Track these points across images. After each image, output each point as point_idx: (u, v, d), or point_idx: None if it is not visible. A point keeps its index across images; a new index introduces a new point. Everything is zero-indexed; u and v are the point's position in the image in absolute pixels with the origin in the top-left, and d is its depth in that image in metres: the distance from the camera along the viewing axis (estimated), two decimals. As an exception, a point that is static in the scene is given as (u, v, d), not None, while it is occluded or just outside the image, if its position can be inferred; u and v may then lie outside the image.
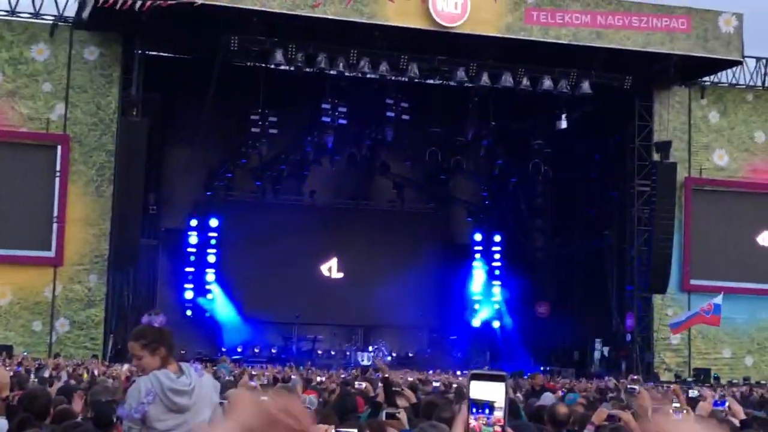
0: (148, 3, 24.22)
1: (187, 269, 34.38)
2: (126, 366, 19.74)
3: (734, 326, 31.35)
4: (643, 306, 30.97)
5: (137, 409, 5.09)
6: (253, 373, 18.44)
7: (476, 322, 37.99)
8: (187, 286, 34.21)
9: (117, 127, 27.65)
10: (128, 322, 28.02)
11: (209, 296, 34.48)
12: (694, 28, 29.01)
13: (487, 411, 3.03)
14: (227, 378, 14.94)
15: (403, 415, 5.68)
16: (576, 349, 34.26)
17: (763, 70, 32.33)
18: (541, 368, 30.50)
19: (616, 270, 32.55)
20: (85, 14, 26.79)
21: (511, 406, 7.88)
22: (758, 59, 32.30)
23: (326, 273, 36.02)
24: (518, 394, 14.46)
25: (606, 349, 32.65)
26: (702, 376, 29.47)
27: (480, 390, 3.01)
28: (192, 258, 34.50)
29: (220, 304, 34.50)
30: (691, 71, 30.66)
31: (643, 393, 10.34)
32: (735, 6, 30.23)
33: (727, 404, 7.87)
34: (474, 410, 3.01)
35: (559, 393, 13.44)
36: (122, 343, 27.58)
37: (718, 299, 27.06)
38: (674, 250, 30.40)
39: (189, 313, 33.64)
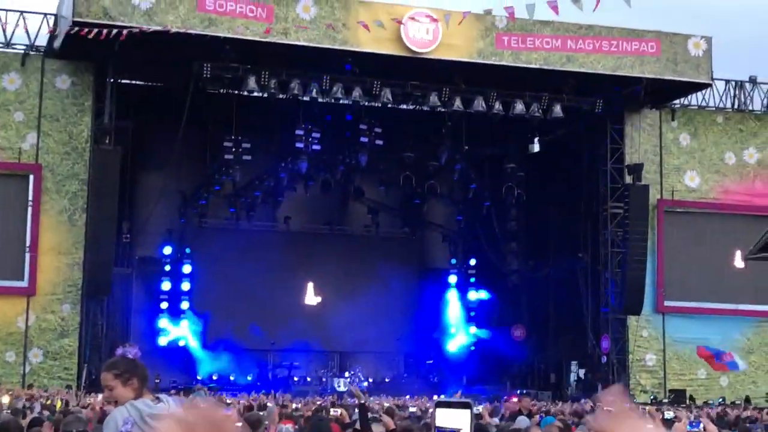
0: (124, 32, 24.17)
1: (161, 297, 34.19)
2: (101, 396, 19.61)
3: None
4: (618, 328, 31.07)
5: None
6: (228, 401, 18.33)
7: (452, 347, 37.98)
8: (161, 314, 34.00)
9: (90, 156, 27.54)
10: (102, 351, 27.81)
11: (184, 324, 34.28)
12: (663, 52, 29.31)
13: None
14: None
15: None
16: (552, 371, 34.31)
17: (732, 93, 32.71)
18: (518, 391, 30.48)
19: (591, 292, 32.63)
20: (57, 43, 26.74)
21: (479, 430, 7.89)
22: (727, 81, 32.68)
23: (305, 300, 35.85)
24: (495, 419, 14.43)
25: (582, 372, 32.70)
26: (675, 397, 29.52)
27: (446, 418, 3.01)
28: (166, 286, 34.32)
29: (194, 332, 34.31)
30: (661, 94, 30.97)
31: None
32: (704, 29, 30.60)
33: (701, 425, 7.92)
34: None
35: (537, 417, 13.44)
36: (96, 373, 27.32)
37: (740, 362, 27.40)
38: (648, 271, 30.56)
39: (163, 341, 33.44)
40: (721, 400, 29.47)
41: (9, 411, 12.15)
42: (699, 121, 32.50)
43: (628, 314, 30.89)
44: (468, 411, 3.06)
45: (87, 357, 27.30)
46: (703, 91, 31.99)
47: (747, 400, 29.65)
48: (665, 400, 28.83)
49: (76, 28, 24.31)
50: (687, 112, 32.52)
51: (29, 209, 27.27)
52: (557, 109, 29.47)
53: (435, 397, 27.93)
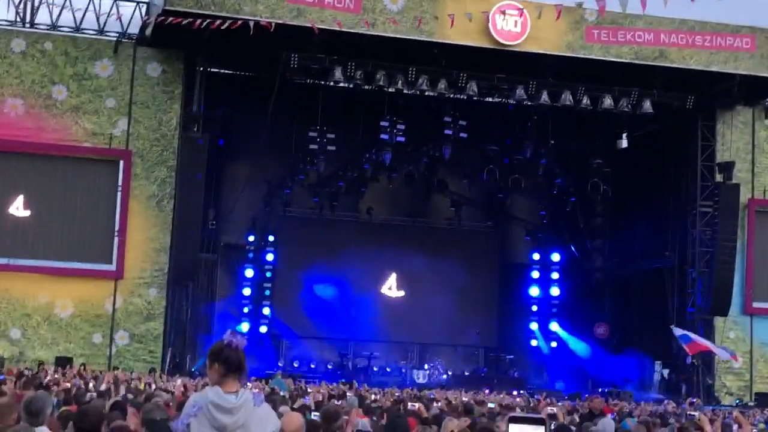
0: (217, 23, 24.41)
1: (245, 284, 34.62)
2: (180, 380, 19.94)
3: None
4: (704, 328, 30.43)
5: (182, 420, 5.14)
6: (309, 390, 18.44)
7: (534, 342, 37.68)
8: (244, 300, 34.43)
9: (178, 143, 27.97)
10: (186, 335, 28.30)
11: (266, 311, 34.67)
12: (758, 48, 28.58)
13: None
14: (283, 394, 14.97)
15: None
16: (635, 370, 33.77)
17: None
18: (600, 390, 30.12)
19: (677, 292, 32.06)
20: (149, 31, 27.19)
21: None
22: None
23: (386, 291, 35.97)
24: (574, 416, 14.27)
25: (666, 372, 32.14)
26: (761, 401, 28.74)
27: None
28: (249, 273, 34.72)
29: (277, 319, 34.65)
30: (755, 91, 30.19)
31: (703, 419, 10.15)
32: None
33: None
34: None
35: (609, 416, 13.20)
36: (180, 356, 27.83)
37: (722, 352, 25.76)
38: (737, 272, 29.88)
39: (245, 327, 33.82)
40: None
41: (95, 394, 12.40)
42: (794, 120, 31.63)
43: (715, 315, 30.27)
44: (542, 428, 2.95)
45: (171, 341, 27.77)
46: (799, 89, 31.10)
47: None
48: (751, 403, 28.19)
49: (169, 18, 24.62)
50: (781, 110, 31.67)
51: (119, 194, 27.81)
52: (647, 105, 28.96)
53: (514, 393, 27.74)
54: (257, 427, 5.08)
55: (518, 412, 11.79)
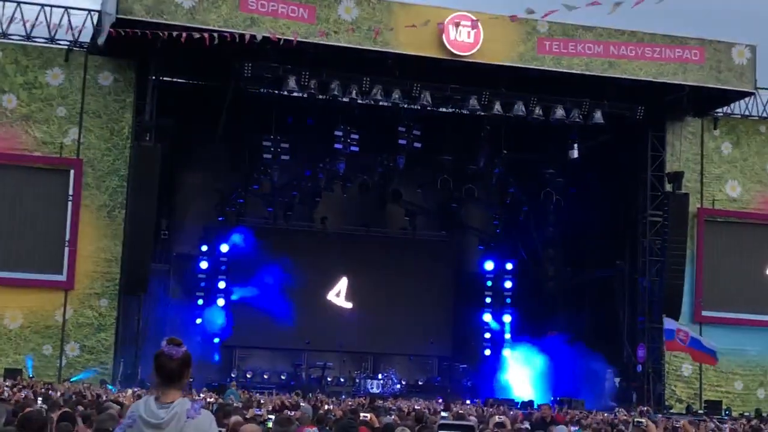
0: (165, 34, 24.29)
1: (198, 294, 34.38)
2: (130, 391, 19.77)
3: (746, 358, 31.17)
4: (655, 337, 30.80)
5: (120, 428, 5.12)
6: (261, 401, 18.36)
7: (487, 351, 37.83)
8: (197, 311, 34.17)
9: (130, 153, 27.76)
10: (138, 347, 28.03)
11: (219, 322, 34.44)
12: (707, 59, 29.03)
13: None
14: (236, 405, 14.90)
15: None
16: (587, 379, 34.02)
17: (775, 102, 32.26)
18: (552, 398, 30.30)
19: (628, 300, 32.39)
20: (101, 40, 26.99)
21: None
22: (771, 90, 32.25)
23: (335, 300, 35.99)
24: (526, 425, 14.37)
25: (617, 380, 32.42)
26: (711, 408, 29.09)
27: None
28: (202, 283, 34.50)
29: (230, 329, 34.44)
30: (704, 102, 30.66)
31: (650, 426, 10.28)
32: (748, 36, 30.26)
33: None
34: None
35: (564, 427, 13.31)
36: (132, 368, 27.56)
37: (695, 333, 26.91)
38: (686, 280, 30.26)
39: (198, 338, 33.59)
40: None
41: (45, 406, 12.23)
42: (742, 131, 32.15)
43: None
44: None
45: (123, 352, 27.50)
46: (747, 100, 31.64)
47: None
48: (701, 411, 28.51)
49: (120, 31, 24.45)
50: (730, 120, 32.19)
51: (69, 204, 27.54)
52: (598, 116, 29.30)
53: (467, 402, 27.86)
54: None
55: (450, 419, 11.87)
